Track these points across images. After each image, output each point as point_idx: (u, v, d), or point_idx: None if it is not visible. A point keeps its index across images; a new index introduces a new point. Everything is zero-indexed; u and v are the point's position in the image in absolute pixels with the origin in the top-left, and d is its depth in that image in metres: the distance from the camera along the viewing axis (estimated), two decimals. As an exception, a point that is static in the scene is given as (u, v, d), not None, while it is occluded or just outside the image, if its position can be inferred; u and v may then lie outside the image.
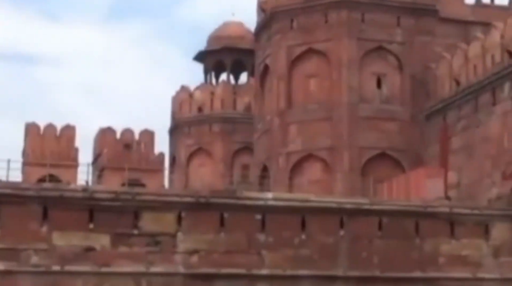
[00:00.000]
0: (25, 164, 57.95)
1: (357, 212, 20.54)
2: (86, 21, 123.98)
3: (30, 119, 63.14)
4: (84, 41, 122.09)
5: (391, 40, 39.00)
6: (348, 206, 20.75)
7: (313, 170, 38.53)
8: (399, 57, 39.02)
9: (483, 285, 21.13)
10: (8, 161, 32.31)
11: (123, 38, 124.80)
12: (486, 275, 21.19)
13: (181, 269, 18.84)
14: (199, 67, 54.87)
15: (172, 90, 56.64)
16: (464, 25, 39.54)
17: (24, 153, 60.35)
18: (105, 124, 61.98)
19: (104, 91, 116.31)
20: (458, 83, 35.67)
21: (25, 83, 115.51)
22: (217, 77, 54.15)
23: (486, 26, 35.96)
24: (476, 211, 21.93)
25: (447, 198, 29.25)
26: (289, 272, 19.50)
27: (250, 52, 47.00)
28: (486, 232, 21.51)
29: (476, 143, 33.30)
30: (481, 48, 34.17)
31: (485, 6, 41.85)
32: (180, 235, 18.98)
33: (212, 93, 51.87)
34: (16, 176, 40.06)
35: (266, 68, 41.91)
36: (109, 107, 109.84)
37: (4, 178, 27.92)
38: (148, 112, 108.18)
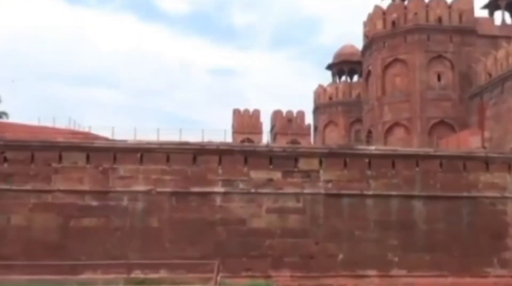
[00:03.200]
0: (233, 132, 59.68)
1: (427, 157, 20.08)
2: (258, 46, 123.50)
3: (235, 106, 64.71)
4: (260, 60, 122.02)
5: (446, 51, 37.60)
6: (421, 153, 20.36)
7: (399, 132, 37.99)
8: (451, 61, 37.58)
9: (507, 201, 20.26)
10: (224, 130, 34.84)
11: (282, 57, 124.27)
12: (509, 195, 20.33)
13: (322, 191, 19.10)
14: (328, 73, 54.37)
15: (313, 87, 56.41)
16: (494, 39, 37.37)
17: (233, 126, 62.06)
18: (276, 107, 62.64)
19: (275, 89, 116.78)
20: (490, 75, 34.28)
21: (226, 87, 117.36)
22: (339, 78, 53.43)
23: (509, 38, 34.30)
24: (502, 155, 21.04)
25: (484, 147, 28.24)
26: (385, 192, 19.38)
27: (359, 63, 46.23)
28: (509, 168, 20.55)
29: (502, 113, 31.99)
30: (505, 52, 32.69)
31: (509, 25, 39.37)
32: (321, 171, 19.21)
33: (337, 88, 51.35)
34: (228, 139, 42.01)
35: (369, 72, 41.34)
36: (277, 97, 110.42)
37: (222, 140, 29.51)
38: (299, 99, 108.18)
